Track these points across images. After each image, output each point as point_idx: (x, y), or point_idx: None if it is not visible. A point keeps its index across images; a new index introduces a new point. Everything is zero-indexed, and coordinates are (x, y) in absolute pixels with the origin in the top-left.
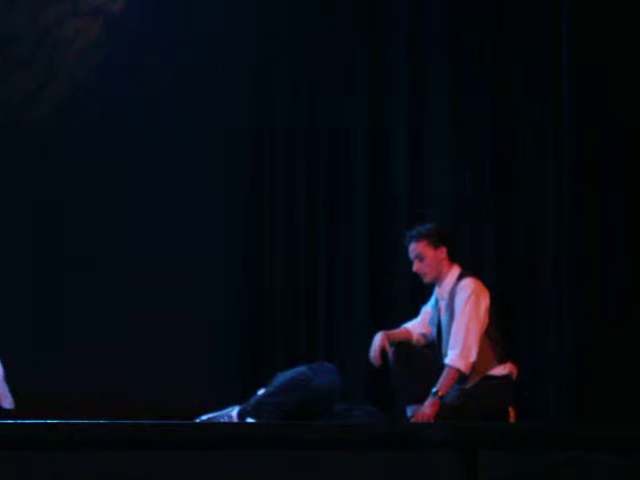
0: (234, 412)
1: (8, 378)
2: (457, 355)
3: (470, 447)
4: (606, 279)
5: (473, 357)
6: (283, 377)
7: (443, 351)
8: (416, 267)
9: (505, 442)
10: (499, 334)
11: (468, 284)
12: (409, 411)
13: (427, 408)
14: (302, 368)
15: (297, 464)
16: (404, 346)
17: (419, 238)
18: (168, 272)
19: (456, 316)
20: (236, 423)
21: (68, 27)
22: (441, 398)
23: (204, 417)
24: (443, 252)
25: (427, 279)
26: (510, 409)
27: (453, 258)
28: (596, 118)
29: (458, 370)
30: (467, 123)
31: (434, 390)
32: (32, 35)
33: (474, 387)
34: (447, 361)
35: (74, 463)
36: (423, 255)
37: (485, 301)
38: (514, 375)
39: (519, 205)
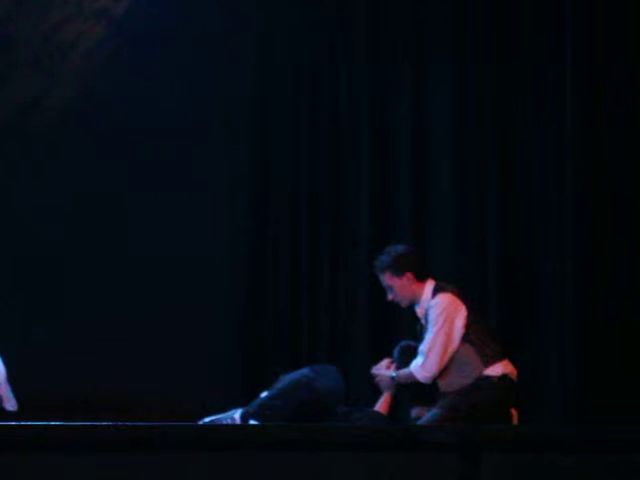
0: (237, 414)
1: (11, 380)
2: (419, 366)
3: (473, 449)
4: (609, 277)
5: (432, 372)
6: (285, 379)
7: None
8: (389, 297)
9: (508, 444)
10: (485, 337)
11: (440, 301)
12: (412, 413)
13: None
14: (304, 370)
15: (299, 466)
16: (408, 349)
17: (382, 270)
18: (170, 273)
19: (427, 331)
20: (239, 425)
21: (72, 29)
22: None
23: (207, 419)
24: (410, 277)
25: (404, 305)
26: (513, 411)
27: (423, 277)
28: (598, 118)
29: (417, 378)
30: (470, 124)
31: (394, 374)
32: (36, 38)
33: (471, 388)
34: (411, 366)
35: (77, 465)
36: (391, 285)
37: (459, 315)
38: (513, 375)
39: (521, 205)
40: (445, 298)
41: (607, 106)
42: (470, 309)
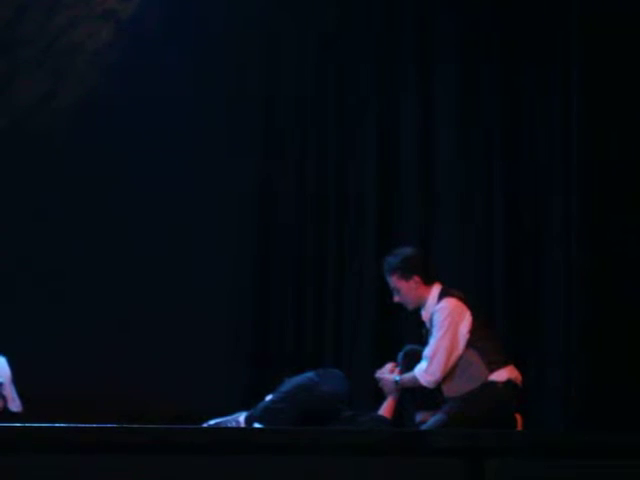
0: (241, 417)
1: (15, 381)
2: (423, 370)
3: (477, 455)
4: (616, 281)
5: (436, 376)
6: (290, 383)
7: None
8: (395, 299)
9: (512, 450)
10: (490, 343)
11: (444, 307)
12: (417, 418)
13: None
14: (309, 374)
15: (303, 470)
16: (413, 353)
17: (389, 272)
18: (173, 275)
19: (431, 336)
20: (243, 428)
21: (79, 31)
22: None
23: (212, 422)
24: (417, 281)
25: (410, 308)
26: (517, 416)
27: (430, 280)
28: (604, 118)
29: (421, 383)
30: (476, 123)
31: (397, 379)
32: (44, 38)
33: (475, 393)
34: (415, 370)
35: (81, 467)
36: (398, 288)
37: (464, 320)
38: (518, 380)
39: (528, 206)
40: (450, 303)
41: (612, 106)
42: (475, 314)
